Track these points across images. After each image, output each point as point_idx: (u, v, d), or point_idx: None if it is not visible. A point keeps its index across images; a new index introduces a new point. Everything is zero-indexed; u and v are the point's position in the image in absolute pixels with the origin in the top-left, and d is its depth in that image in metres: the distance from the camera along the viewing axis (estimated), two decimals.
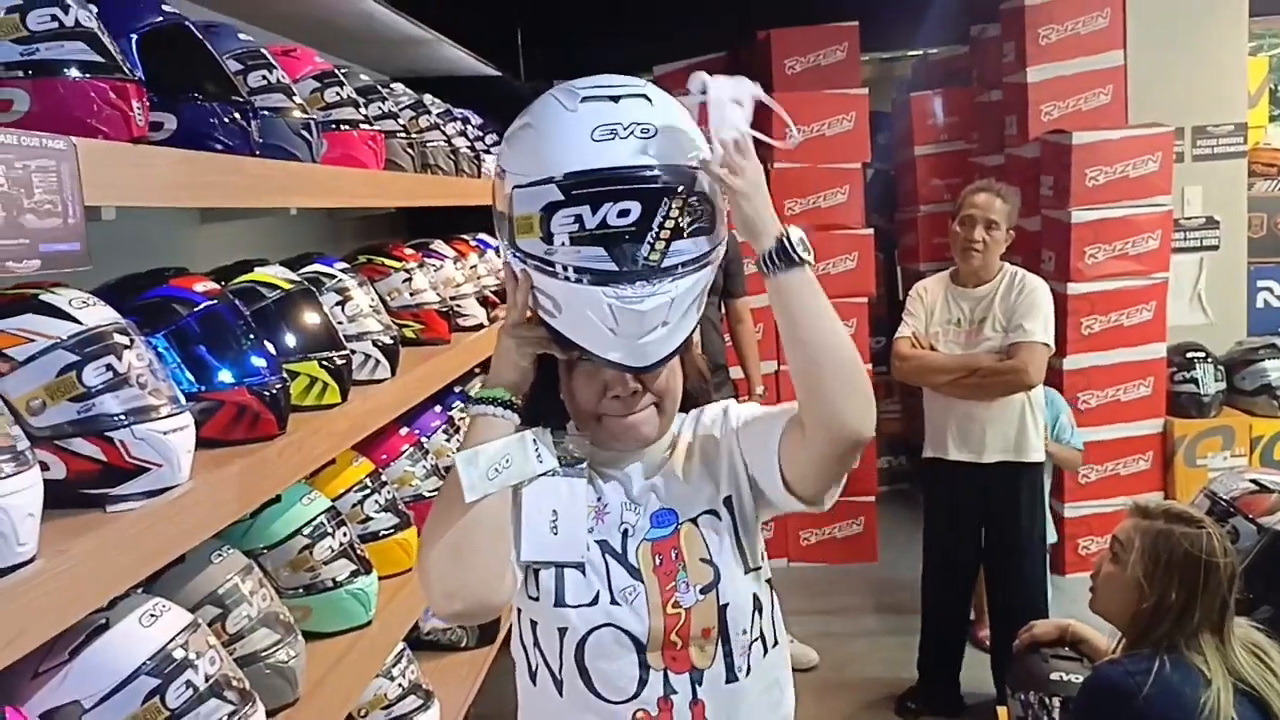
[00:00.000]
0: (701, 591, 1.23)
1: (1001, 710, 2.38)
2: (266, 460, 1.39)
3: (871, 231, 4.39)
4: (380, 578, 1.88)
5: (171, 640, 1.21)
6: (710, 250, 1.17)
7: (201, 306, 1.47)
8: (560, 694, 1.26)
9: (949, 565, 3.25)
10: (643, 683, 1.22)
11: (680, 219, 1.13)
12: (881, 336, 5.11)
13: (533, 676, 1.30)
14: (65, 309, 1.18)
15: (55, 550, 0.98)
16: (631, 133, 1.13)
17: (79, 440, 1.14)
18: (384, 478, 2.12)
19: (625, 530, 1.26)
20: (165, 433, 1.19)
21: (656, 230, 1.11)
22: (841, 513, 4.50)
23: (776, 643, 1.32)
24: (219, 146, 1.42)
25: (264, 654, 1.46)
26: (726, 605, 1.24)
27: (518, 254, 1.18)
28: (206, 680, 1.22)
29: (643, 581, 1.24)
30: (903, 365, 3.16)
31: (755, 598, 1.28)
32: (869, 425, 1.17)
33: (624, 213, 1.11)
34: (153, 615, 1.23)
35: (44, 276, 1.05)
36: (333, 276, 1.99)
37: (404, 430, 2.34)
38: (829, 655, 3.60)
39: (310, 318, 1.76)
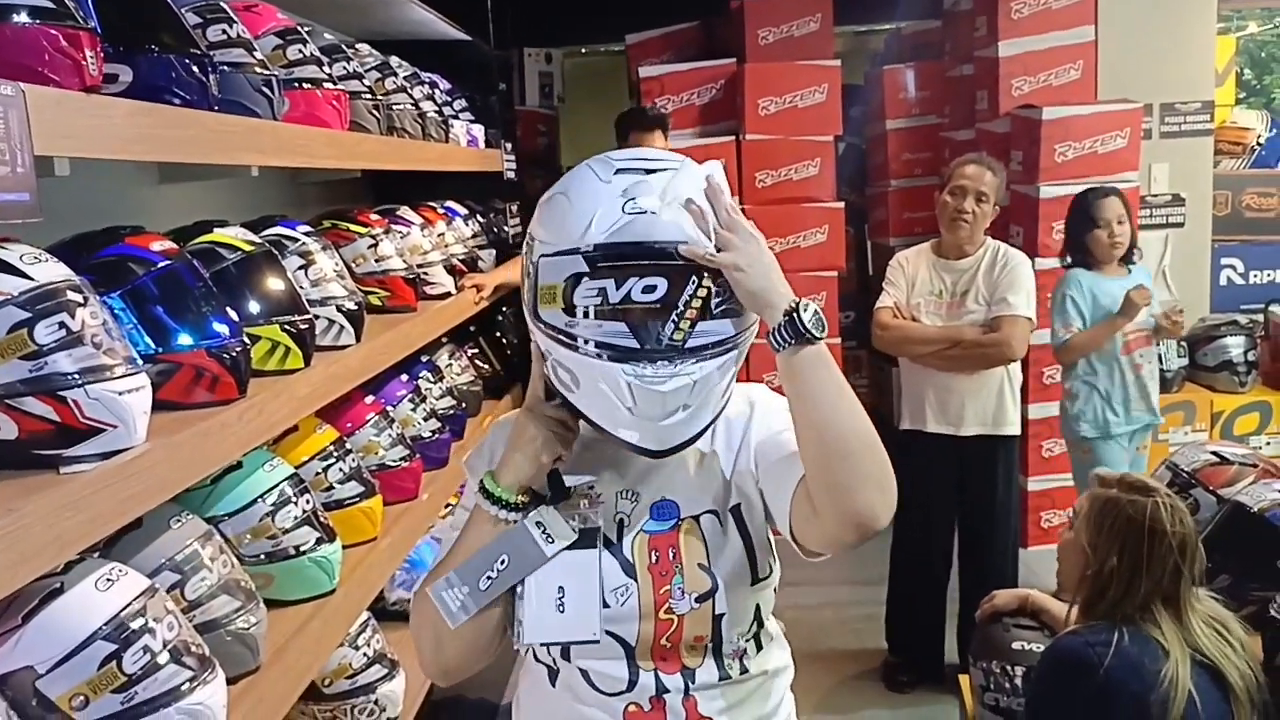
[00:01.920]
0: (697, 600, 1.17)
1: (964, 679, 2.41)
2: (226, 424, 1.36)
3: (842, 205, 4.39)
4: (344, 546, 1.86)
5: (128, 605, 1.19)
6: (739, 333, 1.11)
7: (159, 266, 1.43)
8: (553, 685, 1.23)
9: (923, 537, 3.27)
10: (633, 683, 1.19)
11: (709, 299, 1.08)
12: (850, 311, 5.14)
13: (527, 653, 1.28)
14: (16, 264, 1.14)
15: (5, 509, 0.95)
16: (667, 205, 1.09)
17: (31, 399, 1.11)
18: (348, 446, 2.09)
19: (621, 520, 1.20)
20: (120, 393, 1.16)
21: (682, 309, 1.07)
22: None
23: (772, 638, 1.28)
24: (176, 101, 1.38)
25: (224, 621, 1.44)
26: (722, 616, 1.18)
27: (540, 324, 1.12)
28: (165, 646, 1.20)
29: (636, 579, 1.18)
30: (884, 335, 3.17)
31: (757, 609, 1.22)
32: (884, 514, 1.08)
33: (650, 288, 1.06)
34: (109, 580, 1.20)
35: None
36: (295, 240, 1.95)
37: (369, 399, 2.31)
38: (797, 627, 3.60)
39: (272, 280, 1.72)
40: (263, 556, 1.71)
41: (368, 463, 2.17)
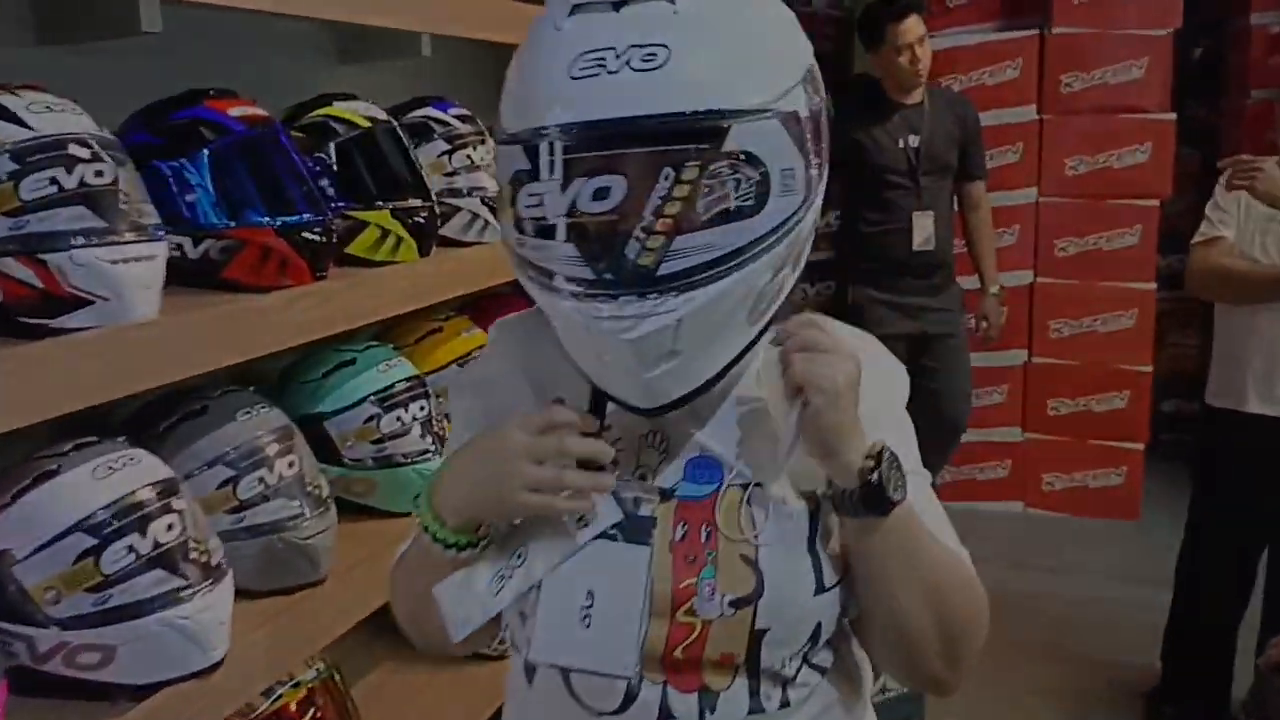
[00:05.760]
0: (732, 605, 0.81)
1: None
2: (264, 311, 1.22)
3: (1174, 117, 3.56)
4: None
5: (121, 498, 1.08)
6: (755, 241, 0.75)
7: (235, 132, 1.32)
8: (530, 683, 0.89)
9: (1226, 543, 2.55)
10: (630, 699, 0.83)
11: (693, 199, 0.73)
12: (1175, 255, 4.25)
13: (505, 640, 0.96)
14: (18, 112, 1.06)
15: None
16: (627, 62, 0.72)
17: (10, 260, 1.02)
18: None
19: (643, 474, 0.85)
20: (114, 261, 1.05)
21: (651, 219, 0.73)
22: (1097, 459, 3.84)
23: (833, 661, 0.89)
24: None
25: (277, 526, 1.32)
26: (765, 632, 0.82)
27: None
28: (156, 548, 1.08)
29: (651, 547, 0.82)
30: (1204, 277, 2.45)
31: (817, 627, 0.85)
32: (955, 685, 0.88)
33: (601, 191, 0.73)
34: (110, 468, 1.10)
35: None
36: (445, 124, 1.79)
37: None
38: (1045, 617, 3.08)
39: (389, 161, 1.58)
40: (369, 461, 1.59)
41: None
